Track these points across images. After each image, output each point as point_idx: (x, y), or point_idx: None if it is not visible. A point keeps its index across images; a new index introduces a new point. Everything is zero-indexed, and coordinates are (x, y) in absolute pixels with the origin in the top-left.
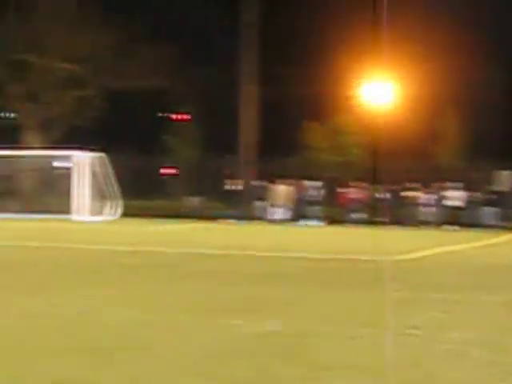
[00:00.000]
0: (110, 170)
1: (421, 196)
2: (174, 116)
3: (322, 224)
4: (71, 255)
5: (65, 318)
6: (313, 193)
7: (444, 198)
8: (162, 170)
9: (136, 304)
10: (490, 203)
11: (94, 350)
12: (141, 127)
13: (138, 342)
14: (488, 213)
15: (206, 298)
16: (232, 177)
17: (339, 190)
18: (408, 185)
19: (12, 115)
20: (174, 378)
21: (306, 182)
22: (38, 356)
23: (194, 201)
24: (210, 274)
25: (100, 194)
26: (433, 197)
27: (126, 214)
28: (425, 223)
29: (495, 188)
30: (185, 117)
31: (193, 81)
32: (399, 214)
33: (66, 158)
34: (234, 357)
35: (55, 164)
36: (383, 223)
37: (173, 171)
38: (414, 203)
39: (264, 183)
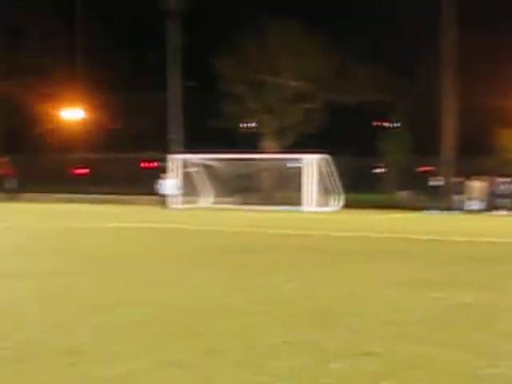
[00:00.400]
0: (333, 169)
1: None
2: (386, 124)
3: (511, 214)
4: (300, 240)
5: (289, 292)
6: (503, 187)
7: None
8: (374, 170)
9: (352, 280)
10: None
11: (314, 318)
12: (358, 134)
13: (352, 311)
14: None
15: (413, 274)
16: (435, 174)
17: None
18: None
19: (253, 125)
20: (385, 341)
21: (498, 178)
22: (265, 322)
23: (403, 194)
24: (416, 254)
25: (325, 189)
26: None
27: (347, 205)
28: None
29: None
30: (395, 124)
31: (402, 94)
32: None
33: (297, 160)
34: (437, 324)
35: (288, 165)
36: None
37: (381, 170)
38: None
39: (461, 179)
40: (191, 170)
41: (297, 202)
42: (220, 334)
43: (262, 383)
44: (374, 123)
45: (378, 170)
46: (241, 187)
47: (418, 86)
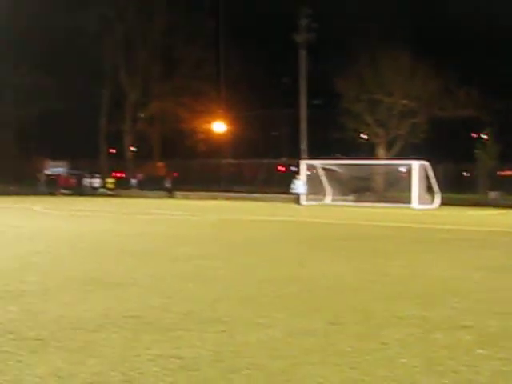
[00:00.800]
0: (432, 174)
1: None
2: (479, 135)
3: None
4: (409, 231)
5: (399, 274)
6: None
7: None
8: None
9: (452, 264)
10: None
11: (420, 296)
12: (456, 144)
13: (451, 290)
14: None
15: (502, 260)
16: None
17: None
18: None
19: (366, 137)
20: (478, 316)
21: None
22: (379, 298)
23: (493, 195)
24: (506, 244)
25: (426, 190)
26: None
27: (444, 204)
28: None
29: None
30: (486, 136)
31: (493, 111)
32: None
33: (405, 165)
34: None
35: (400, 169)
36: None
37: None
38: None
39: None
40: (316, 173)
41: (404, 200)
42: (340, 308)
43: (375, 350)
44: (472, 135)
45: (470, 174)
46: (357, 188)
47: (507, 104)
